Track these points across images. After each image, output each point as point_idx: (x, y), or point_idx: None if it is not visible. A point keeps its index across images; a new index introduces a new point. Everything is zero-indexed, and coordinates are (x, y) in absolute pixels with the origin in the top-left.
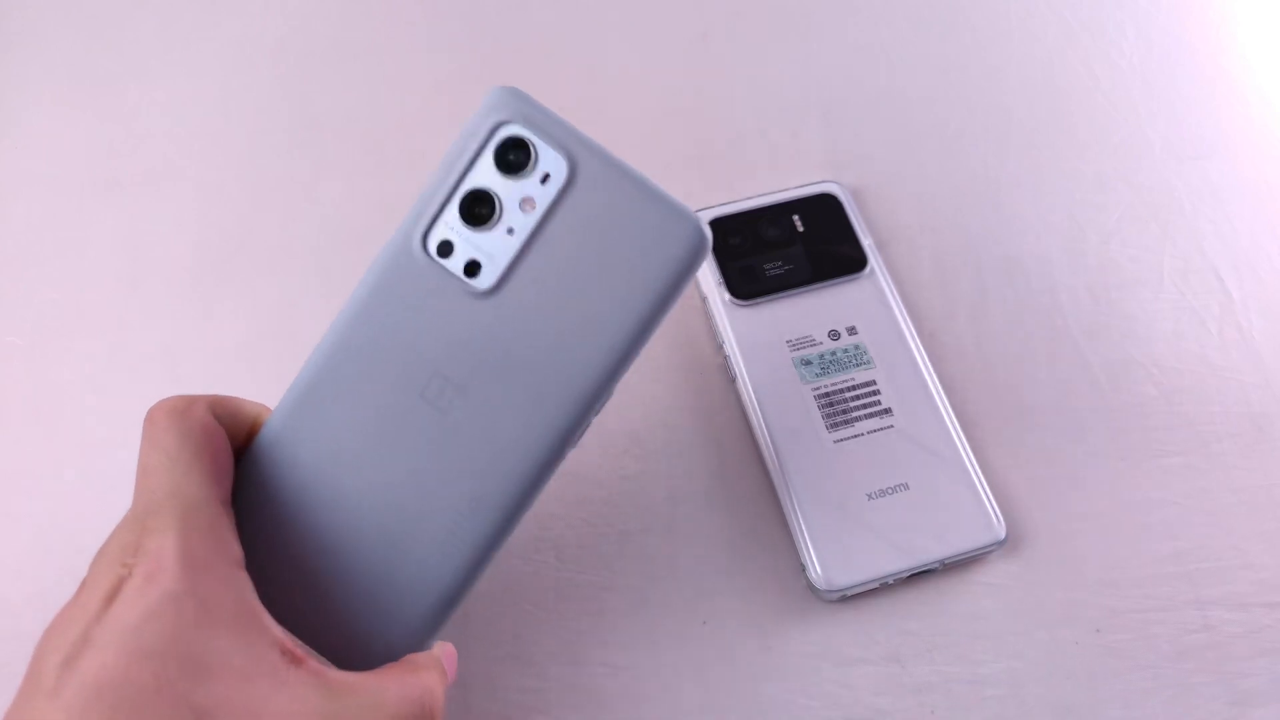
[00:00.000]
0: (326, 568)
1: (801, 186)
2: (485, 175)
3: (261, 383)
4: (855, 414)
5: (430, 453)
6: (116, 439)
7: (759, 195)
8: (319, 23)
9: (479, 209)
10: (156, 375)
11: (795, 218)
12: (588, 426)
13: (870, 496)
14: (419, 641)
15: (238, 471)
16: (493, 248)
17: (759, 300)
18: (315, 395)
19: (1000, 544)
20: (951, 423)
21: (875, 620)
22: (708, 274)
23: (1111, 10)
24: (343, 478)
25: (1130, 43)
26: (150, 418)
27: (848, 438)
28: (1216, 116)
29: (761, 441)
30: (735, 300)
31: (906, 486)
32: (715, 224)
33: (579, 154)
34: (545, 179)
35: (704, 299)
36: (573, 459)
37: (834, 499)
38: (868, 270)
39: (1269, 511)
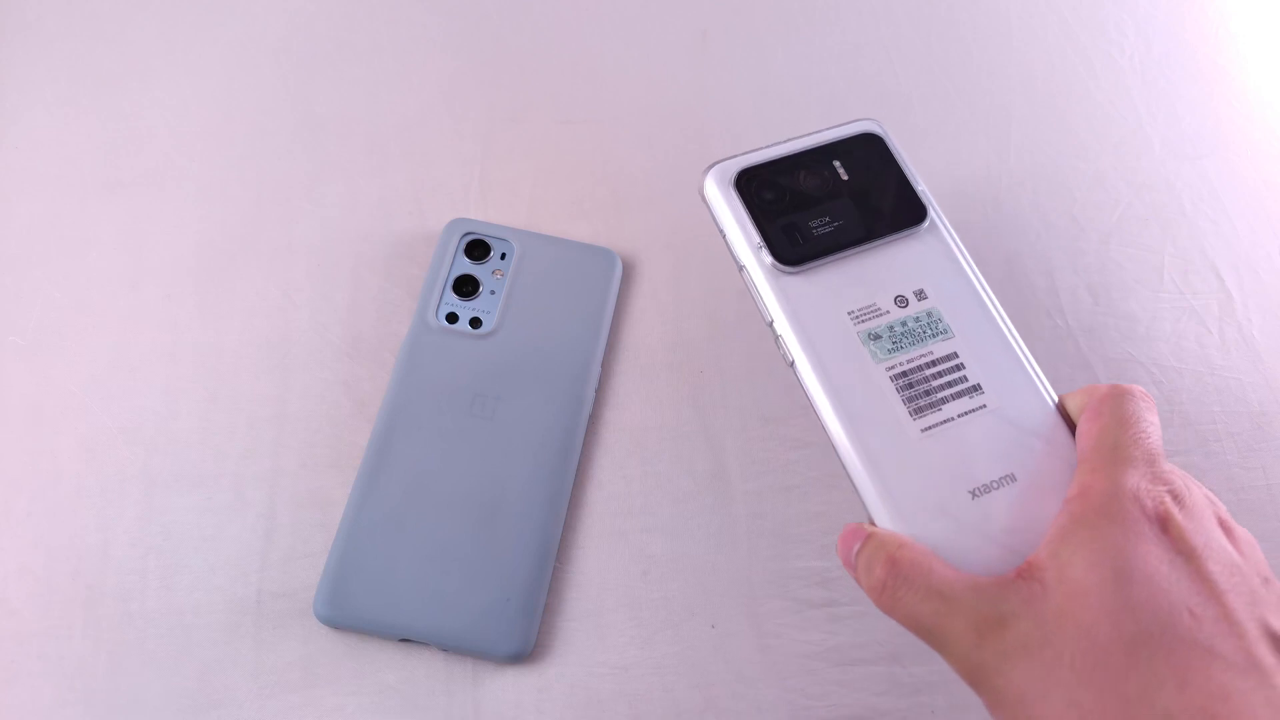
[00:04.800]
0: (441, 547)
1: (835, 127)
2: (462, 266)
3: (262, 383)
4: (940, 395)
5: (491, 446)
6: (117, 439)
7: (786, 139)
8: (320, 23)
9: (466, 287)
10: (157, 375)
11: (836, 163)
12: (595, 393)
13: (974, 494)
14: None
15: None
16: (485, 306)
17: (809, 265)
18: (393, 435)
19: None
20: (1050, 398)
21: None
22: (744, 236)
23: (1111, 10)
24: (435, 481)
25: (1130, 42)
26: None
27: (936, 424)
28: (1216, 116)
29: (836, 438)
30: (781, 266)
31: (1012, 478)
32: (744, 174)
33: (517, 236)
34: (503, 256)
35: (742, 268)
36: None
37: (932, 501)
38: (928, 223)
39: (1269, 511)
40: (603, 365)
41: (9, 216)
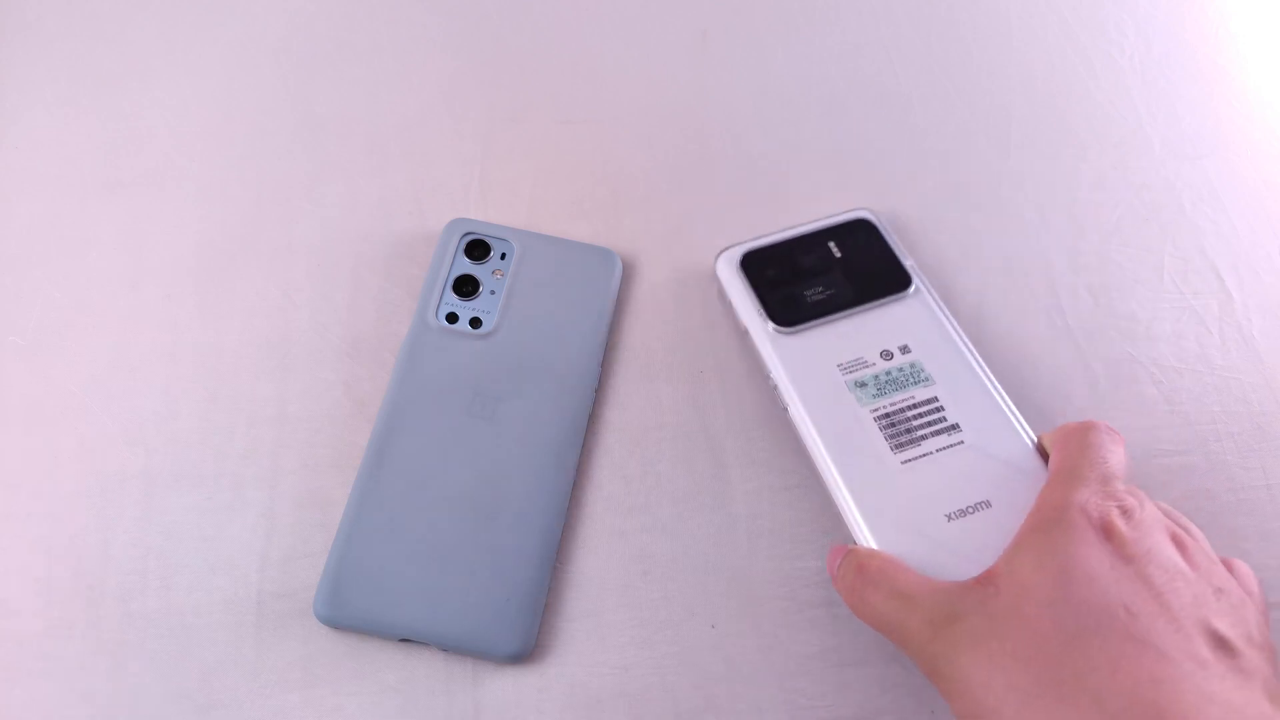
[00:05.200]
0: (441, 548)
1: (832, 216)
2: (462, 266)
3: (262, 384)
4: (920, 433)
5: (491, 446)
6: (117, 439)
7: (789, 227)
8: (320, 23)
9: (466, 287)
10: (157, 375)
11: (831, 244)
12: (595, 393)
13: (950, 518)
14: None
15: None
16: (485, 306)
17: (804, 326)
18: (393, 435)
19: None
20: (1027, 436)
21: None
22: (747, 306)
23: (1111, 10)
24: (435, 481)
25: (1130, 42)
26: None
27: (915, 457)
28: (1216, 116)
29: (823, 469)
30: (779, 329)
31: (988, 504)
32: (749, 257)
33: (517, 236)
34: (503, 256)
35: (745, 332)
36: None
37: (910, 524)
38: (913, 289)
39: (1269, 511)
40: (603, 365)
41: (9, 216)
